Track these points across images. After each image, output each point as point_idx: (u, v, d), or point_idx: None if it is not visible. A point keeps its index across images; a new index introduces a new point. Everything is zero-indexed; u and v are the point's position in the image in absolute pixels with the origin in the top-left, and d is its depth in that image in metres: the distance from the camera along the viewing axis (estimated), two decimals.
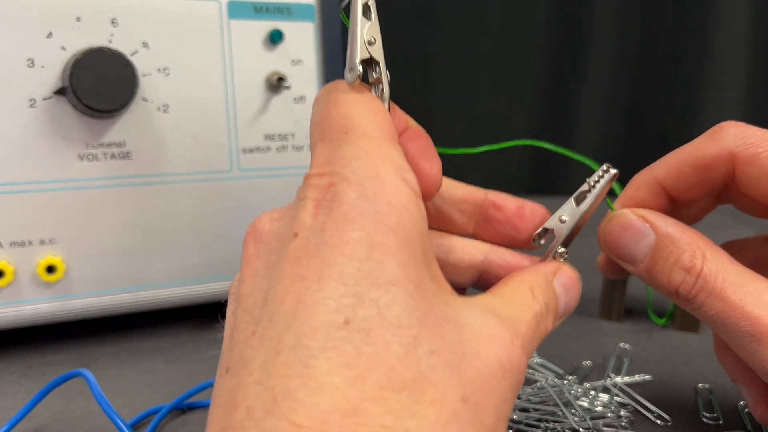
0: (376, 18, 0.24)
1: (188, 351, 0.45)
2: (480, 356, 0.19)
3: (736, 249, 0.30)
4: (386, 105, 0.24)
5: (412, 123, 0.26)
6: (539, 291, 0.24)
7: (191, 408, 0.37)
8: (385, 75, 0.24)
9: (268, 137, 0.48)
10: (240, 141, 0.47)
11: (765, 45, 1.10)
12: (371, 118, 0.22)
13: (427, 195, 0.23)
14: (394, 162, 0.21)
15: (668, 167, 0.29)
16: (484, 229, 0.29)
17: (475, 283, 0.29)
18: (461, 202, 0.28)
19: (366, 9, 0.24)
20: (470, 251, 0.29)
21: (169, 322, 0.49)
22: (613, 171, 0.28)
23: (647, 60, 1.11)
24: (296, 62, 0.48)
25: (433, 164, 0.24)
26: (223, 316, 0.23)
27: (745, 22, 1.09)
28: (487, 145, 0.30)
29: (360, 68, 0.23)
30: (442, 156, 0.25)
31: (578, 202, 0.28)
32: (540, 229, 0.28)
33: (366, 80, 0.24)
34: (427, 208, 0.27)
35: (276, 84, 0.47)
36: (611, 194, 0.29)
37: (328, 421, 0.16)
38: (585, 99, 1.13)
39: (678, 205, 0.31)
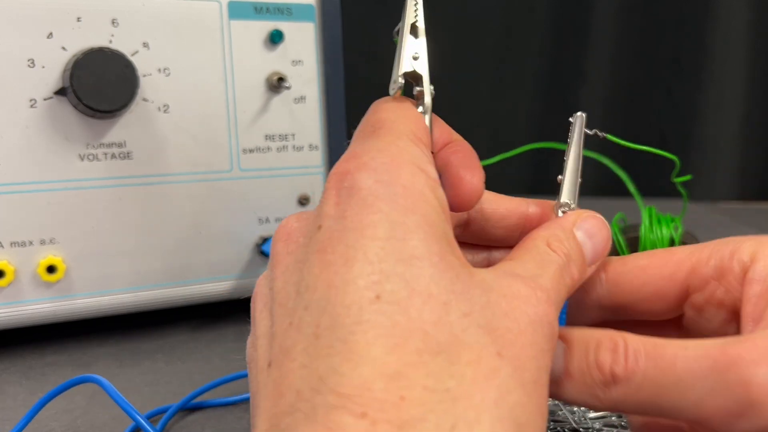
0: (424, 37, 0.26)
1: (189, 351, 0.45)
2: (509, 315, 0.20)
3: None
4: (428, 117, 0.25)
5: (456, 136, 0.27)
6: (557, 244, 0.25)
7: (198, 408, 0.37)
8: (428, 88, 0.26)
9: (269, 137, 0.48)
10: (240, 141, 0.47)
11: (764, 45, 1.10)
12: (401, 121, 0.23)
13: (468, 204, 0.25)
14: (413, 153, 0.22)
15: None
16: None
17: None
18: (503, 219, 0.29)
19: (413, 28, 0.26)
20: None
21: (169, 322, 0.49)
22: (579, 113, 0.29)
23: (647, 60, 1.11)
24: (296, 62, 0.48)
25: (474, 175, 0.25)
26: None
27: (745, 23, 1.09)
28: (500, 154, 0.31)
29: (401, 80, 0.25)
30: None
31: (566, 157, 0.30)
32: (556, 201, 0.29)
33: (411, 95, 0.26)
34: (469, 225, 0.28)
35: (276, 84, 0.47)
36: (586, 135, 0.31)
37: (371, 388, 0.17)
38: (585, 99, 1.13)
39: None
